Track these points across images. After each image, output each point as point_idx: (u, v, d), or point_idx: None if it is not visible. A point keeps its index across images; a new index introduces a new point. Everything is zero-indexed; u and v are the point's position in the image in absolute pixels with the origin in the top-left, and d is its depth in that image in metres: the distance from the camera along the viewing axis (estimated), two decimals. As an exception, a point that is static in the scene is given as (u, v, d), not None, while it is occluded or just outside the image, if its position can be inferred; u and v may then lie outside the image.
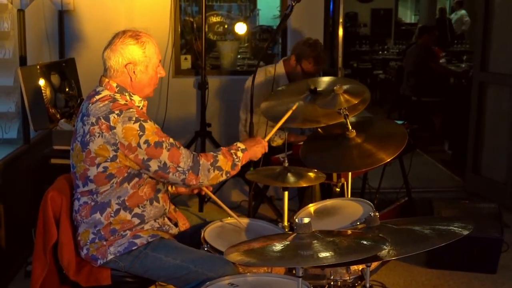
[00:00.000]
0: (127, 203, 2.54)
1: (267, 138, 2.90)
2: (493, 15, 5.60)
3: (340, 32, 4.98)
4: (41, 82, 3.65)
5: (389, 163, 4.16)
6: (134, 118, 2.45)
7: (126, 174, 2.51)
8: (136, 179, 2.54)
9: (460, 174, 6.15)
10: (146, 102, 2.68)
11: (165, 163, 2.47)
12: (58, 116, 3.75)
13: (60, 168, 3.52)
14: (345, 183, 3.53)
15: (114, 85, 2.58)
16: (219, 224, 2.84)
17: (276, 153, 3.96)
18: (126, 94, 2.58)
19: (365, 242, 1.88)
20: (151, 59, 2.60)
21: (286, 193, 3.04)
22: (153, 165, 2.47)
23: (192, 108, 5.32)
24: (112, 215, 2.52)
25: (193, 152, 2.59)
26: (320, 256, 1.77)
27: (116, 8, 5.09)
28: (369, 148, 2.94)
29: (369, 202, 2.84)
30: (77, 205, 2.59)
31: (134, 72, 2.57)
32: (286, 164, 2.99)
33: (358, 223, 2.60)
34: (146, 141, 2.45)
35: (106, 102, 2.50)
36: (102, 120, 2.44)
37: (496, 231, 3.98)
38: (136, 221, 2.56)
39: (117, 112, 2.45)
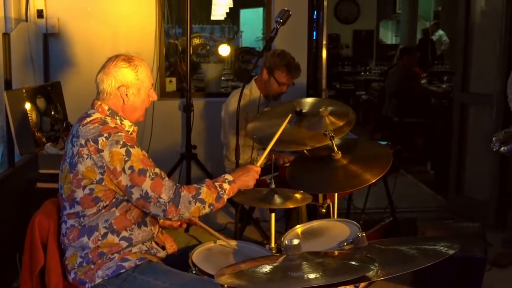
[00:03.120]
0: (114, 226, 2.54)
1: (259, 163, 2.91)
2: (473, 36, 5.70)
3: (324, 54, 5.04)
4: (27, 105, 3.65)
5: (373, 183, 4.23)
6: (121, 142, 2.46)
7: (114, 200, 2.52)
8: (124, 203, 2.54)
9: (443, 194, 6.20)
10: (137, 128, 2.70)
11: (146, 192, 2.47)
12: (44, 140, 3.74)
13: (46, 192, 3.48)
14: (330, 204, 3.56)
15: (106, 108, 2.60)
16: (207, 246, 2.84)
17: (262, 175, 3.97)
18: (117, 118, 2.60)
19: (353, 263, 1.90)
20: (144, 82, 2.63)
21: (273, 214, 3.04)
22: (135, 193, 2.48)
23: (177, 130, 5.33)
24: (100, 238, 2.52)
25: (177, 184, 2.58)
26: (310, 277, 1.79)
27: (101, 32, 5.11)
28: (355, 169, 2.97)
29: (356, 222, 2.86)
30: (64, 228, 2.58)
31: (126, 94, 2.60)
32: (273, 186, 3.01)
33: (345, 244, 2.62)
34: (131, 167, 2.46)
35: (96, 124, 2.52)
36: (91, 142, 2.46)
37: (480, 250, 4.01)
38: (124, 244, 2.56)
39: (105, 135, 2.47)
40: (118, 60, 2.62)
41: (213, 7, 7.78)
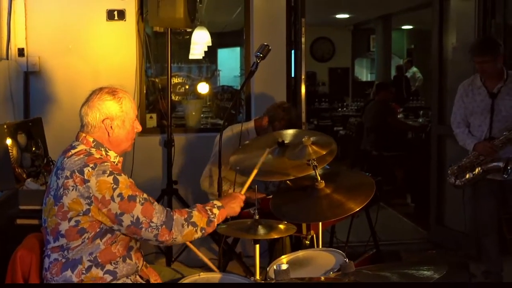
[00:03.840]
0: (99, 260, 2.52)
1: (243, 191, 2.93)
2: (446, 70, 5.83)
3: (303, 89, 5.11)
4: (8, 141, 3.63)
5: (356, 215, 4.25)
6: (108, 171, 2.47)
7: (98, 230, 2.50)
8: (109, 235, 2.53)
9: (424, 226, 6.23)
10: (122, 158, 2.71)
11: (138, 218, 2.47)
12: (24, 175, 3.72)
13: (26, 229, 3.46)
14: (314, 235, 3.56)
15: (91, 139, 2.61)
16: (192, 279, 2.82)
17: (244, 208, 3.98)
18: (102, 149, 2.61)
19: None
20: (128, 114, 2.65)
21: (257, 246, 3.04)
22: (126, 220, 2.47)
23: (158, 166, 5.32)
24: (84, 272, 2.50)
25: (167, 208, 2.59)
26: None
27: (82, 69, 5.13)
28: (339, 198, 3.00)
29: (341, 251, 2.87)
30: (47, 262, 2.56)
31: (111, 127, 2.61)
32: (257, 217, 3.01)
33: (331, 272, 2.63)
34: (120, 195, 2.46)
35: (81, 156, 2.53)
36: (77, 174, 2.46)
37: (464, 279, 4.04)
38: (108, 277, 2.53)
39: (91, 165, 2.47)
40: (102, 93, 2.64)
41: (192, 46, 7.85)
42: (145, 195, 2.54)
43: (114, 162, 2.63)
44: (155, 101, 5.78)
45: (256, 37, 5.40)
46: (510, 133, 4.16)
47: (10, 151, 3.63)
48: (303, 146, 3.03)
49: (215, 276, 2.85)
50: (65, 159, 2.54)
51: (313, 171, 3.04)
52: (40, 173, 3.81)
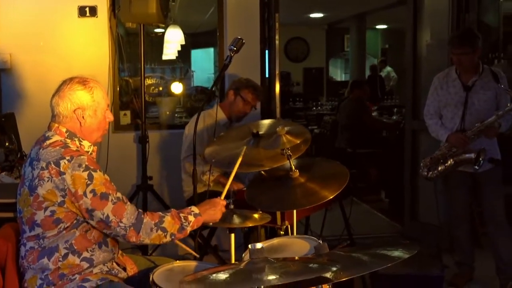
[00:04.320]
0: (75, 247, 2.52)
1: (223, 195, 2.93)
2: (421, 67, 5.91)
3: (277, 86, 5.15)
4: (-18, 136, 3.61)
5: (329, 207, 4.28)
6: (84, 166, 2.46)
7: (74, 221, 2.51)
8: (84, 224, 2.53)
9: (398, 221, 6.29)
10: (96, 147, 2.71)
11: (107, 216, 2.48)
12: (-3, 169, 3.69)
13: (1, 222, 3.45)
14: (289, 226, 3.59)
15: (64, 130, 2.60)
16: (168, 267, 2.81)
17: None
18: (76, 139, 2.61)
19: (314, 265, 1.93)
20: (100, 104, 2.65)
21: (232, 235, 3.07)
22: (96, 216, 2.48)
23: (132, 162, 5.31)
24: (61, 259, 2.49)
25: (139, 210, 2.58)
26: (269, 278, 1.80)
27: (54, 66, 5.09)
28: (312, 187, 3.02)
29: (315, 238, 2.89)
30: (24, 250, 2.55)
31: (83, 117, 2.60)
32: (232, 207, 3.03)
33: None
34: (93, 191, 2.46)
35: (58, 147, 2.52)
36: (52, 165, 2.45)
37: (437, 269, 4.09)
38: (85, 265, 2.53)
39: (68, 158, 2.46)
40: (73, 83, 2.63)
41: (165, 45, 7.84)
42: (118, 194, 2.54)
43: (88, 151, 2.63)
44: (128, 101, 5.76)
45: (230, 35, 5.41)
46: (482, 124, 4.20)
47: (-16, 146, 3.60)
48: (277, 135, 3.05)
49: (190, 264, 2.86)
50: (41, 150, 2.53)
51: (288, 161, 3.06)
52: (14, 167, 3.78)
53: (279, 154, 3.16)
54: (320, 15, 13.75)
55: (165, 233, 2.58)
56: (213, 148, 3.42)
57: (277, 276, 1.79)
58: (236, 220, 2.94)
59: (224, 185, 4.11)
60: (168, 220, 2.60)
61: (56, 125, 2.62)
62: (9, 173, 3.71)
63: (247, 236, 4.39)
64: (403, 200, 6.10)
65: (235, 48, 3.58)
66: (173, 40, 7.16)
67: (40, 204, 2.47)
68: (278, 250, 2.88)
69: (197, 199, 3.43)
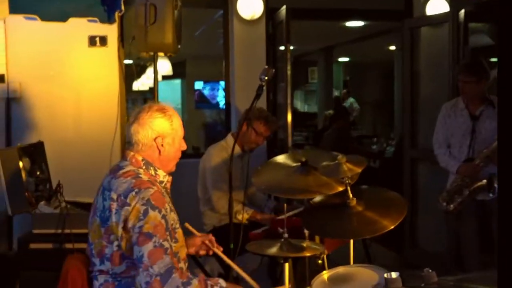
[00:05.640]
0: None
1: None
2: (418, 99, 6.05)
3: (289, 116, 5.18)
4: (20, 164, 3.52)
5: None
6: (145, 200, 2.39)
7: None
8: None
9: (398, 250, 6.32)
10: (171, 177, 2.64)
11: (142, 255, 2.36)
12: (33, 199, 3.59)
13: (44, 252, 3.37)
14: (325, 256, 3.58)
15: (140, 158, 2.55)
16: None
17: (252, 229, 3.99)
18: (151, 168, 2.55)
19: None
20: (177, 132, 2.62)
21: (286, 264, 3.06)
22: (134, 252, 2.39)
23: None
24: None
25: (175, 266, 2.44)
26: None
27: (64, 96, 5.05)
28: (371, 216, 3.02)
29: (381, 267, 2.87)
30: (97, 284, 2.47)
31: (162, 145, 2.56)
32: (286, 235, 3.04)
33: (378, 287, 2.63)
34: (140, 227, 2.37)
35: (129, 178, 2.46)
36: (122, 198, 2.40)
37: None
38: None
39: (136, 190, 2.41)
40: (152, 110, 2.58)
41: (146, 75, 7.83)
42: (165, 243, 2.41)
43: (162, 181, 2.57)
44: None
45: (237, 67, 5.46)
46: (488, 150, 4.31)
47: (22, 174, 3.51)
48: (338, 163, 3.06)
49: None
50: (113, 179, 2.48)
51: (345, 188, 3.07)
52: (52, 196, 3.67)
53: (330, 182, 3.17)
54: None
55: None
56: (260, 176, 3.40)
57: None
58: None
59: (260, 221, 4.18)
60: (195, 285, 2.44)
61: (132, 153, 2.56)
62: (48, 202, 3.61)
63: (272, 267, 4.33)
64: (401, 228, 6.15)
65: (266, 77, 3.58)
66: (159, 71, 7.15)
67: (109, 237, 2.41)
68: (346, 280, 2.86)
69: (233, 229, 3.42)
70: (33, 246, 3.50)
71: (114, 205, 2.40)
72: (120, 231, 2.39)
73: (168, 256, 2.40)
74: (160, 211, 2.42)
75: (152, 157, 2.57)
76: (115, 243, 2.41)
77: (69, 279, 2.45)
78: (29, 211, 3.54)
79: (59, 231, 3.51)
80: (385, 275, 1.95)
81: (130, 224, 2.37)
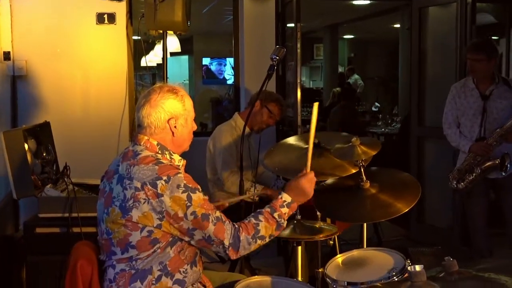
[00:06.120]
0: (169, 268, 2.41)
1: (308, 166, 2.72)
2: (426, 75, 5.99)
3: (299, 93, 5.13)
4: (26, 146, 3.45)
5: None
6: (182, 186, 2.34)
7: (170, 239, 2.40)
8: (179, 243, 2.43)
9: (404, 225, 6.32)
10: (185, 161, 2.58)
11: (209, 236, 2.39)
12: (39, 182, 3.53)
13: (51, 236, 3.34)
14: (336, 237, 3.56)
15: (155, 143, 2.48)
16: (244, 283, 2.74)
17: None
18: (167, 153, 2.49)
19: None
20: (190, 112, 2.55)
21: (299, 247, 3.05)
22: (198, 235, 2.39)
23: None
24: (154, 282, 2.38)
25: (235, 226, 2.47)
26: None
27: (71, 73, 5.01)
28: (385, 199, 2.98)
29: (396, 251, 2.84)
30: (113, 273, 2.42)
31: (175, 126, 2.49)
32: (299, 217, 3.06)
33: (394, 272, 2.60)
34: (193, 213, 2.35)
35: (150, 165, 2.38)
36: (149, 186, 2.32)
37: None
38: (177, 287, 2.44)
39: (165, 178, 2.33)
40: (164, 91, 2.49)
41: (154, 51, 7.76)
42: (217, 214, 2.43)
43: (178, 165, 2.51)
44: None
45: (247, 44, 5.39)
46: (502, 129, 4.28)
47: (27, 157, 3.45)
48: (352, 145, 3.02)
49: (266, 279, 2.78)
50: (131, 167, 2.39)
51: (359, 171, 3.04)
52: (60, 179, 3.61)
53: (342, 164, 3.15)
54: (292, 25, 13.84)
55: (264, 240, 2.50)
56: (272, 158, 3.37)
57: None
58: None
59: (271, 197, 4.12)
60: (264, 226, 2.49)
61: (146, 137, 2.48)
62: (54, 186, 3.55)
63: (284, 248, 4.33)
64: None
65: (277, 57, 3.52)
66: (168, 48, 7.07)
67: (136, 225, 2.34)
68: (360, 263, 2.83)
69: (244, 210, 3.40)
70: (39, 230, 3.45)
71: (141, 195, 2.32)
72: (156, 221, 2.33)
73: (227, 224, 2.43)
74: (198, 190, 2.40)
75: (166, 140, 2.50)
76: (146, 229, 2.34)
77: (78, 270, 2.41)
78: (35, 194, 3.47)
79: (66, 215, 3.47)
80: (409, 268, 1.91)
81: (180, 214, 2.33)
